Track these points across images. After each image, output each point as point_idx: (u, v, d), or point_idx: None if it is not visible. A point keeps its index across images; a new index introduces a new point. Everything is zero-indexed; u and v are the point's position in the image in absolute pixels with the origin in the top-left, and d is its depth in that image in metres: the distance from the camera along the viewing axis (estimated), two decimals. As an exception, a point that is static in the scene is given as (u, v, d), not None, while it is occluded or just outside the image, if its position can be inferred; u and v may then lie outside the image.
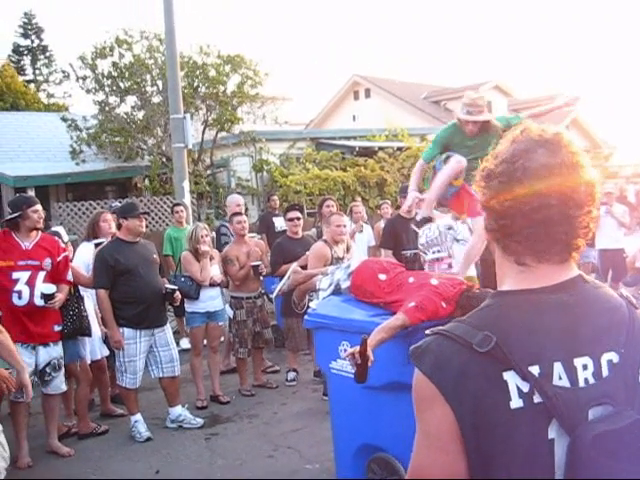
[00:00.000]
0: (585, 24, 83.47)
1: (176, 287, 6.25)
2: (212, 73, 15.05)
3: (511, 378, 1.23)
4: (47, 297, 5.42)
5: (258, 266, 7.07)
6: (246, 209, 16.04)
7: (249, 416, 6.43)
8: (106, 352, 6.48)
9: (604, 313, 1.35)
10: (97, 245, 6.28)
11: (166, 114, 13.05)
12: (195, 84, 15.11)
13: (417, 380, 1.30)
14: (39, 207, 5.64)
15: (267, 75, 15.47)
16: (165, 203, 13.56)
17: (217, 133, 15.68)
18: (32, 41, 36.11)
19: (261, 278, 7.56)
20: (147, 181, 15.43)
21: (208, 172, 15.77)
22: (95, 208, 12.85)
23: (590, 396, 1.25)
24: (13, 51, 35.70)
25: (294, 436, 5.81)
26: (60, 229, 6.68)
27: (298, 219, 7.47)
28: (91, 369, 6.27)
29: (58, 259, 5.62)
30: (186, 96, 13.44)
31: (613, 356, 1.30)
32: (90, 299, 6.31)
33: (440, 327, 1.34)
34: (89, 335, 6.09)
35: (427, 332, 1.35)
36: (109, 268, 5.82)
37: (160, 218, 13.67)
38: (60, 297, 5.55)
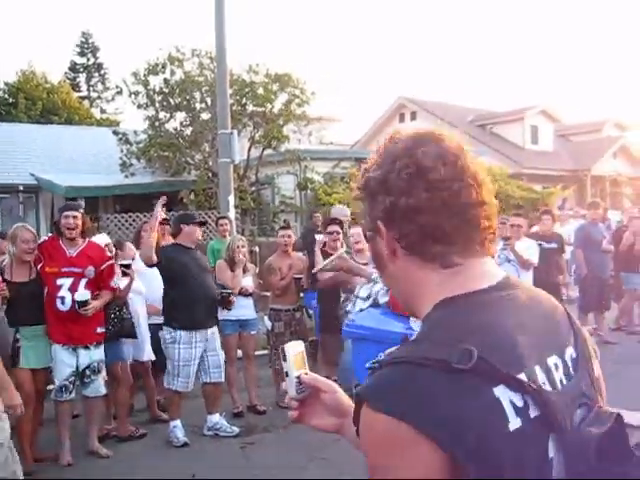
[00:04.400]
0: (636, 48, 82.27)
1: (230, 291, 6.40)
2: (260, 91, 15.33)
3: (503, 394, 1.02)
4: (80, 304, 5.51)
5: (300, 279, 7.15)
6: (289, 225, 16.22)
7: (285, 427, 6.46)
8: (152, 356, 6.60)
9: (552, 308, 1.25)
10: (121, 266, 6.26)
11: (214, 130, 13.30)
12: (243, 102, 15.40)
13: (382, 425, 1.00)
14: (70, 214, 5.63)
15: (314, 94, 15.68)
16: (210, 217, 13.78)
17: (263, 150, 15.91)
18: (88, 59, 37.28)
19: (301, 294, 7.64)
20: (193, 195, 15.71)
21: (253, 189, 15.98)
22: (141, 220, 13.16)
23: (571, 398, 1.11)
24: (70, 69, 36.90)
25: (330, 448, 5.82)
26: (103, 236, 6.82)
27: (338, 233, 7.51)
28: (135, 370, 6.40)
29: (102, 267, 5.72)
30: (234, 113, 13.70)
31: (571, 351, 1.19)
32: (140, 300, 6.47)
33: (393, 354, 1.08)
34: (134, 337, 6.22)
35: (373, 364, 1.09)
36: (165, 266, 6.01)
37: (204, 232, 13.86)
38: (95, 304, 5.61)
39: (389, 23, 73.96)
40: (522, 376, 1.05)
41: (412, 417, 0.97)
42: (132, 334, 6.18)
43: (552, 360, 1.13)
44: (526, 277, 7.60)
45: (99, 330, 5.77)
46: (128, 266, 6.24)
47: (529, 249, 8.17)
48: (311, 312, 8.82)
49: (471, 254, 1.17)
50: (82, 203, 14.42)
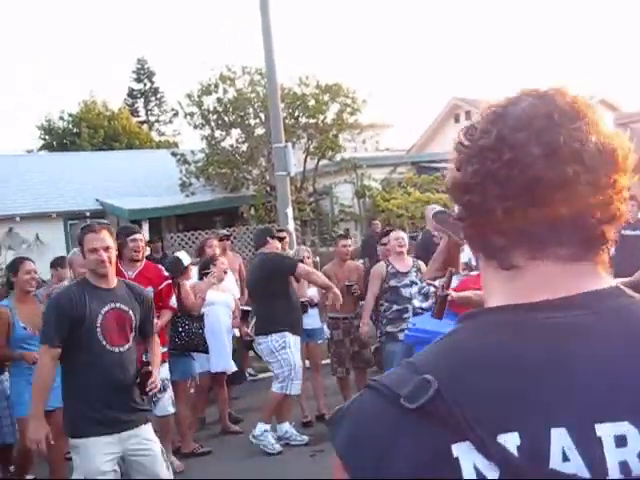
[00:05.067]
0: (700, 32, 79.36)
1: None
2: (312, 103, 15.46)
3: (466, 455, 0.73)
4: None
5: (351, 286, 7.15)
6: (349, 234, 16.25)
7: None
8: (233, 367, 6.72)
9: None
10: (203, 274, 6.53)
11: (269, 145, 13.48)
12: (296, 114, 15.56)
13: (335, 464, 0.82)
14: (138, 237, 5.78)
15: (365, 102, 15.73)
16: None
17: (318, 161, 16.03)
18: (144, 84, 38.29)
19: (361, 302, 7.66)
20: (253, 210, 15.93)
21: (311, 199, 16.10)
22: (203, 237, 13.42)
23: None
24: (128, 95, 37.99)
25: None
26: (182, 254, 6.96)
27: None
28: (209, 381, 6.54)
29: (160, 287, 5.76)
30: (287, 126, 13.85)
31: None
32: (226, 312, 6.63)
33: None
34: (205, 352, 6.30)
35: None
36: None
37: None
38: (157, 323, 5.57)
39: (437, 24, 73.48)
40: (509, 437, 0.73)
41: (349, 457, 0.80)
42: (203, 349, 6.27)
43: (613, 428, 0.73)
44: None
45: (162, 350, 5.87)
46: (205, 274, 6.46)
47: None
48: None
49: (543, 254, 0.85)
50: (146, 225, 14.86)
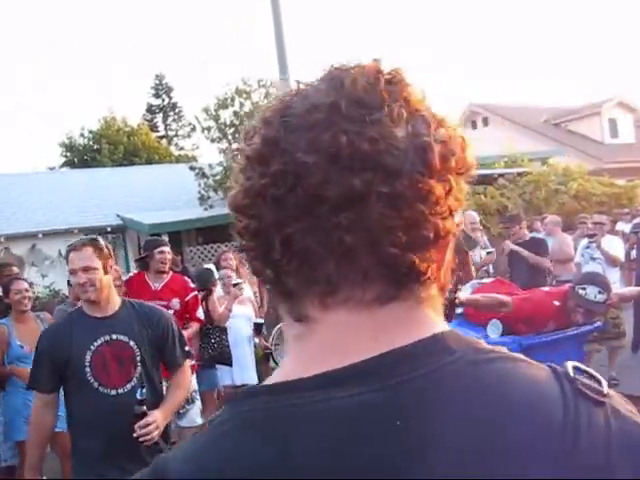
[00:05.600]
0: None
1: None
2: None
3: None
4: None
5: None
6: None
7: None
8: (255, 380, 6.76)
9: (492, 418, 0.60)
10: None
11: (285, 156, 13.53)
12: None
13: None
14: (166, 249, 5.90)
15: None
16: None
17: (335, 172, 16.13)
18: (163, 100, 38.66)
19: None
20: (271, 222, 16.03)
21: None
22: (222, 250, 13.53)
23: None
24: (147, 110, 38.40)
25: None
26: (211, 267, 7.03)
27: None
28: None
29: (187, 299, 5.83)
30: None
31: None
32: (247, 324, 6.64)
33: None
34: (229, 364, 6.31)
35: None
36: None
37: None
38: (188, 331, 5.69)
39: (455, 29, 73.58)
40: None
41: None
42: (228, 362, 6.32)
43: None
44: (613, 275, 7.38)
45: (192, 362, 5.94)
46: (237, 284, 6.43)
47: (614, 246, 7.96)
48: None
49: (334, 301, 0.64)
50: (166, 238, 14.99)
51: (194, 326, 5.94)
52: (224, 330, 6.30)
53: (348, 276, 0.63)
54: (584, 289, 4.36)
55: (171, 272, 6.06)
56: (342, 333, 0.63)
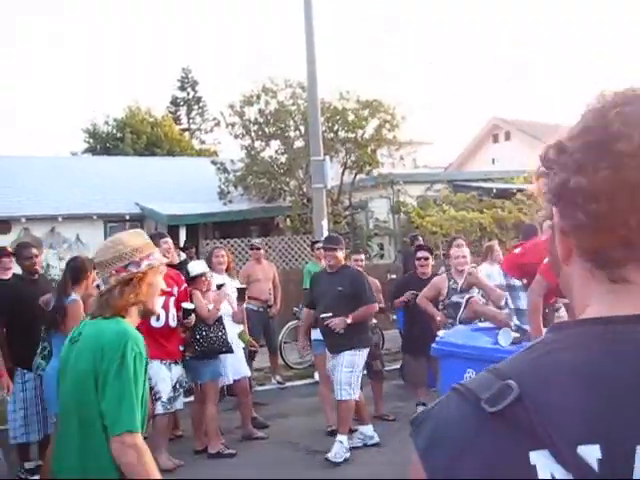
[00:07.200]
0: None
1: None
2: (351, 117, 15.63)
3: (544, 463, 0.72)
4: (186, 312, 6.05)
5: None
6: (382, 249, 16.29)
7: (375, 444, 6.54)
8: (248, 372, 6.86)
9: None
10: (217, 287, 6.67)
11: (307, 157, 13.67)
12: (335, 128, 15.74)
13: (412, 462, 0.83)
14: (169, 241, 6.42)
15: (404, 119, 15.85)
16: (305, 242, 14.10)
17: (355, 175, 16.17)
18: (188, 93, 38.89)
19: (394, 317, 7.86)
20: (288, 221, 16.12)
21: (347, 213, 16.24)
22: (240, 246, 13.64)
23: None
24: (171, 102, 38.62)
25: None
26: (194, 263, 7.08)
27: (426, 259, 7.64)
28: (231, 389, 6.69)
29: (181, 289, 6.28)
30: (326, 140, 14.03)
31: None
32: (229, 320, 6.76)
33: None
34: (229, 352, 6.46)
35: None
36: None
37: (300, 256, 14.22)
38: (193, 318, 6.17)
39: (478, 43, 73.30)
40: (589, 449, 0.71)
41: (428, 459, 0.80)
42: (227, 350, 6.43)
43: None
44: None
45: (181, 348, 6.28)
46: (221, 286, 6.60)
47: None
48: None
49: None
50: (183, 231, 15.14)
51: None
52: (212, 325, 6.39)
53: None
54: None
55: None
56: None
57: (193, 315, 6.15)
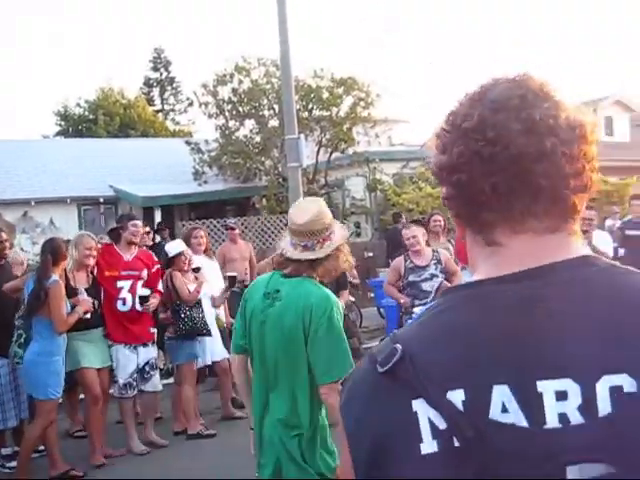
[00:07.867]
0: None
1: None
2: (326, 95, 15.54)
3: (422, 409, 0.85)
4: (142, 299, 5.98)
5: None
6: (359, 227, 16.28)
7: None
8: (227, 354, 6.83)
9: (617, 311, 0.86)
10: (193, 270, 6.56)
11: (282, 136, 13.59)
12: (309, 107, 15.64)
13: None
14: (139, 223, 6.33)
15: (379, 96, 15.78)
16: (281, 222, 14.07)
17: (331, 154, 16.11)
18: (161, 74, 38.37)
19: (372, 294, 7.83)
20: (264, 200, 16.05)
21: (323, 192, 16.20)
22: (215, 226, 13.57)
23: (569, 445, 0.79)
24: (144, 83, 38.11)
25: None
26: (173, 243, 6.93)
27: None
28: (213, 371, 6.69)
29: (152, 270, 6.24)
30: (301, 118, 13.94)
31: (624, 381, 0.80)
32: (208, 302, 6.70)
33: None
34: (208, 335, 6.44)
35: None
36: None
37: (276, 235, 14.17)
38: (154, 302, 6.11)
39: (453, 20, 73.05)
40: (455, 393, 0.84)
41: (343, 411, 0.96)
42: (207, 332, 6.41)
43: (553, 385, 0.82)
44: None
45: (152, 330, 6.28)
46: (197, 269, 6.54)
47: (603, 242, 8.01)
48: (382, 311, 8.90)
49: (523, 228, 0.93)
50: (158, 212, 15.01)
51: (156, 298, 6.21)
52: (193, 306, 6.36)
53: (534, 211, 0.92)
54: None
55: (137, 246, 6.36)
56: (523, 251, 0.92)
57: (152, 300, 6.06)
